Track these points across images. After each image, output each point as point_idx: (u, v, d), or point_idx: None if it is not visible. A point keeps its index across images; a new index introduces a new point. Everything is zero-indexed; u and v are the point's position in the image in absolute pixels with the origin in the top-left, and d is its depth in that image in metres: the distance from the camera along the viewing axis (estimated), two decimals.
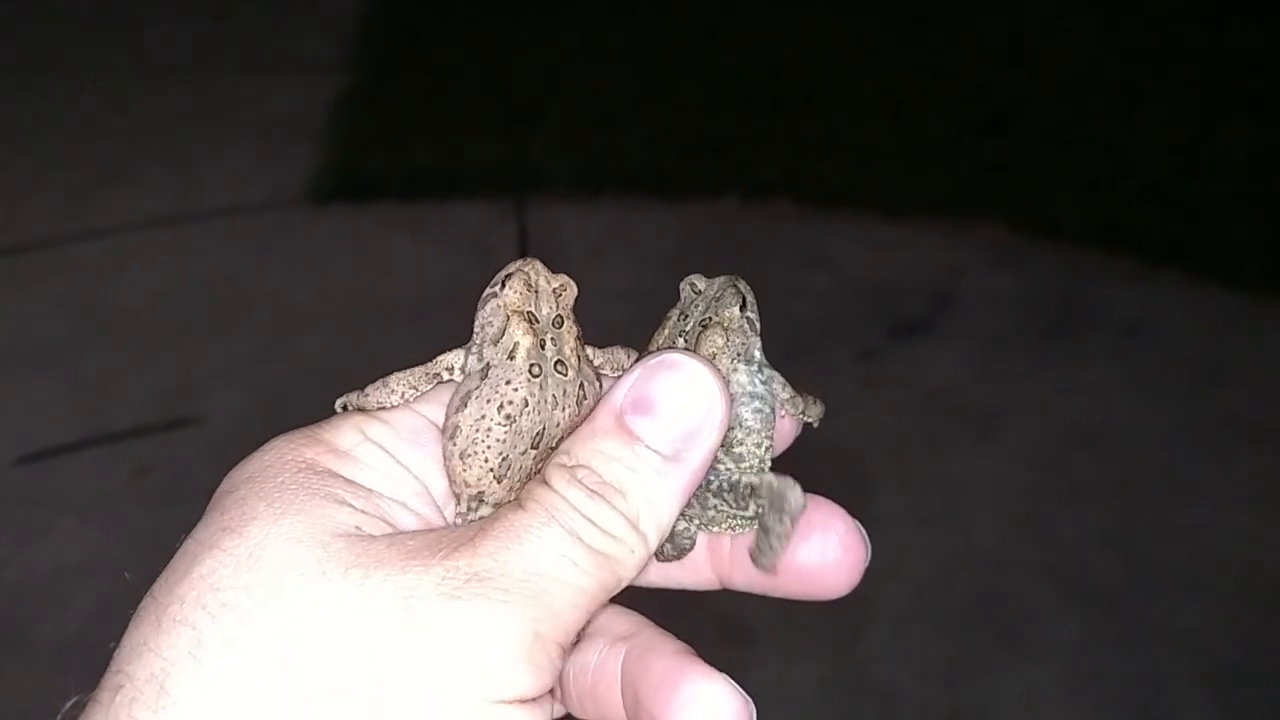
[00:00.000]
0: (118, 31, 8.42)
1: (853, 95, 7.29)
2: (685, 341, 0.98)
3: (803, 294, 5.25)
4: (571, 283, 0.97)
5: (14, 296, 5.51)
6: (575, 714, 0.90)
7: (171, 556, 0.82)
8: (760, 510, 0.96)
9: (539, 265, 0.97)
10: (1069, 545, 4.09)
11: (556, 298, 0.96)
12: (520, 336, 0.92)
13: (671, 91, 7.35)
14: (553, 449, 0.91)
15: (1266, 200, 6.07)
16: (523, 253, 5.86)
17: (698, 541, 1.01)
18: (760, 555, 0.97)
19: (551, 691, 0.82)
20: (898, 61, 7.69)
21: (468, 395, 0.92)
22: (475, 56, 7.85)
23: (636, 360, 0.91)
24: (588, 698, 0.89)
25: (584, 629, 0.87)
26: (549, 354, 0.93)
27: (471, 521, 0.89)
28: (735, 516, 0.98)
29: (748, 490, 0.96)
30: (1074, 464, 4.45)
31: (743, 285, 1.01)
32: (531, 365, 0.92)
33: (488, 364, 0.93)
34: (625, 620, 0.91)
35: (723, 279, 1.02)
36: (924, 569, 3.89)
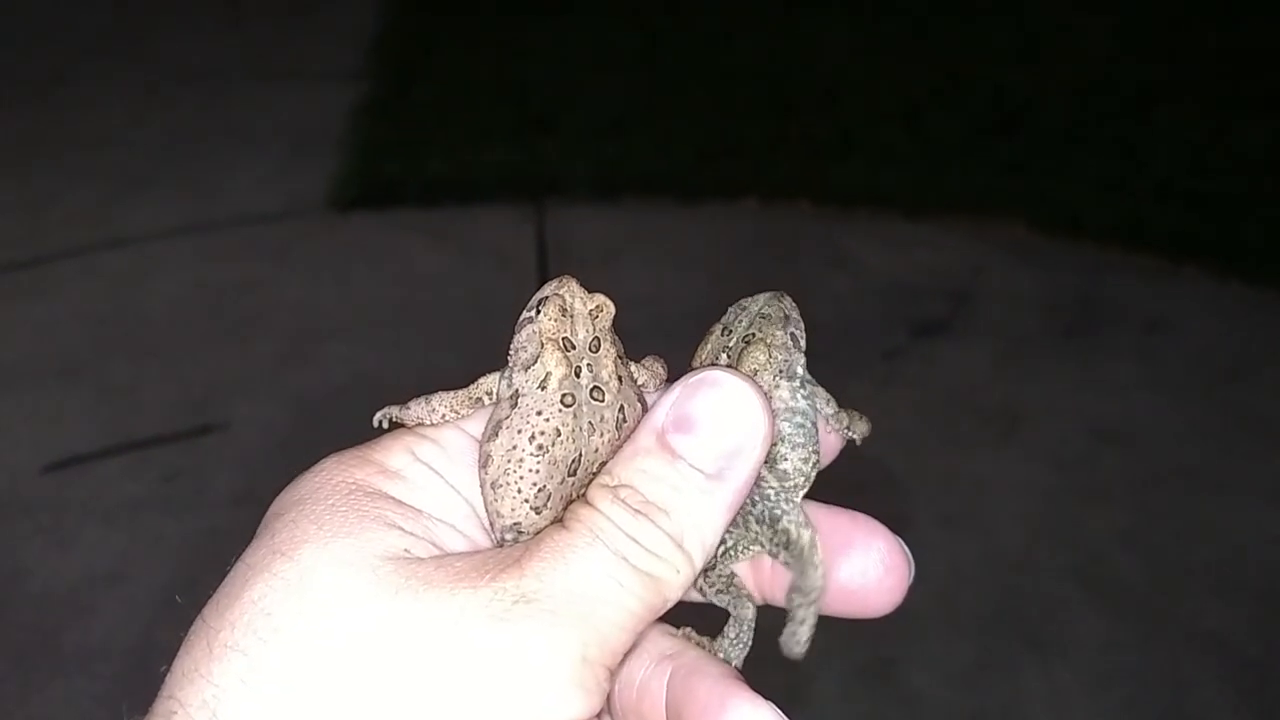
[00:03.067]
0: (135, 43, 8.49)
1: (867, 97, 7.29)
2: (728, 358, 0.97)
3: (823, 295, 5.24)
4: (608, 303, 0.95)
5: (38, 307, 5.56)
6: None
7: (201, 565, 0.83)
8: (787, 564, 0.95)
9: (574, 285, 0.95)
10: (1092, 545, 4.07)
11: (593, 320, 0.94)
12: (553, 366, 0.91)
13: (684, 96, 7.36)
14: (593, 473, 0.90)
15: None
16: (542, 257, 5.90)
17: (740, 561, 1.00)
18: (788, 643, 0.95)
19: (599, 715, 0.81)
20: (911, 63, 7.68)
21: (498, 424, 0.91)
22: (489, 64, 7.89)
23: (678, 378, 0.90)
24: (632, 714, 0.89)
25: (630, 650, 0.86)
26: (584, 381, 0.92)
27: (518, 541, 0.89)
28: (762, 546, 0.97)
29: (784, 537, 0.95)
30: (1096, 463, 4.43)
31: (788, 302, 1.00)
32: (564, 395, 0.91)
33: (517, 391, 0.91)
34: (671, 639, 0.91)
35: (768, 295, 1.01)
36: (946, 570, 3.88)
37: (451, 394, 0.95)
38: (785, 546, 0.95)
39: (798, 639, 0.95)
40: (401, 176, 6.50)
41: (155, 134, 7.17)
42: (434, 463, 0.91)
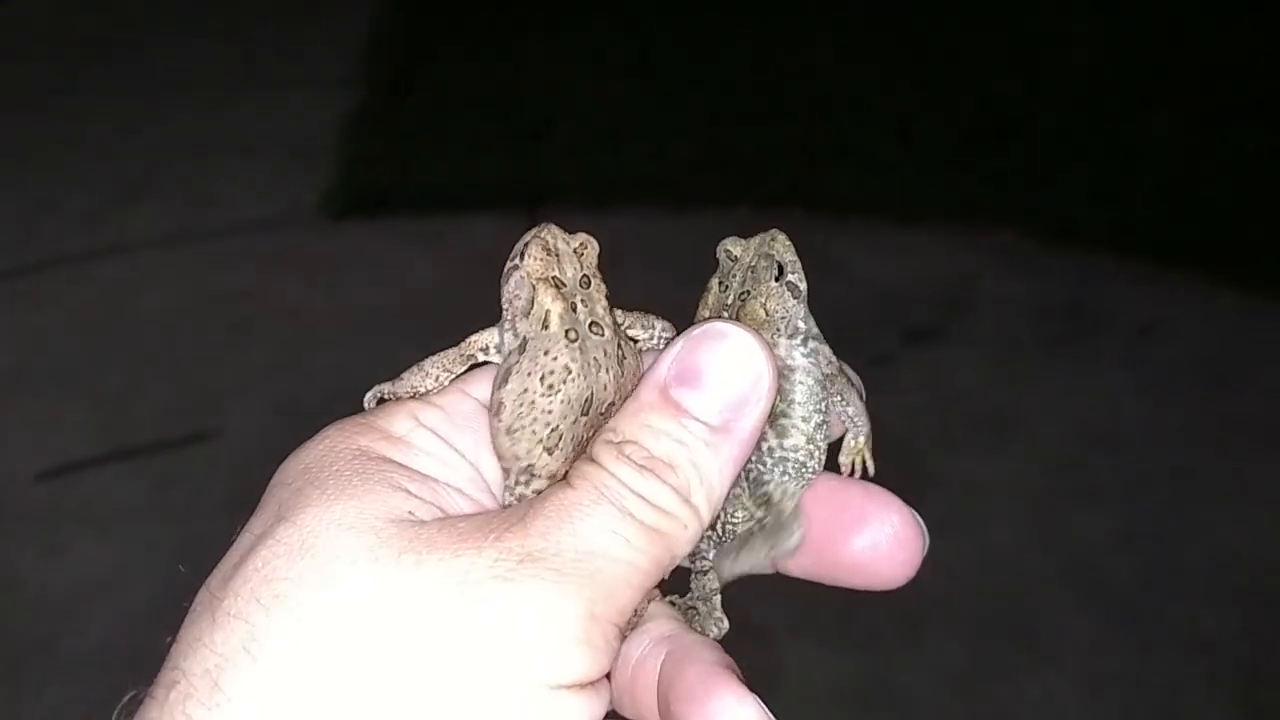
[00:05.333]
0: (130, 52, 8.48)
1: (859, 105, 7.30)
2: (727, 316, 0.96)
3: (815, 302, 5.24)
4: (592, 240, 0.95)
5: (33, 315, 5.56)
6: (614, 707, 0.89)
7: (195, 571, 0.82)
8: (764, 523, 0.94)
9: (555, 228, 0.94)
10: (1085, 548, 4.09)
11: (579, 257, 0.93)
12: (550, 303, 0.90)
13: (678, 104, 7.37)
14: (603, 414, 0.90)
15: (1276, 201, 6.06)
16: None
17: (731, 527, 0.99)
18: (722, 563, 0.95)
19: (608, 676, 0.80)
20: (903, 70, 7.70)
21: (509, 371, 0.90)
22: (484, 72, 7.89)
23: (679, 333, 0.89)
24: (625, 694, 0.88)
25: (640, 609, 0.86)
26: (582, 316, 0.91)
27: (522, 500, 0.88)
28: (749, 512, 0.96)
29: (763, 498, 0.95)
30: (1088, 467, 4.45)
31: (779, 247, 0.98)
32: (568, 330, 0.89)
33: (524, 338, 0.90)
34: (672, 621, 0.90)
35: (758, 241, 0.99)
36: (940, 574, 3.87)
37: (440, 355, 0.93)
38: (765, 505, 0.94)
39: (731, 573, 0.95)
40: (395, 185, 6.50)
41: (150, 142, 7.17)
42: (438, 428, 0.90)
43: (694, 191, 6.34)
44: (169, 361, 5.11)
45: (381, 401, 0.95)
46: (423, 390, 0.93)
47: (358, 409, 0.96)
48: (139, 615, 3.71)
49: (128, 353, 5.19)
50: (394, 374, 0.96)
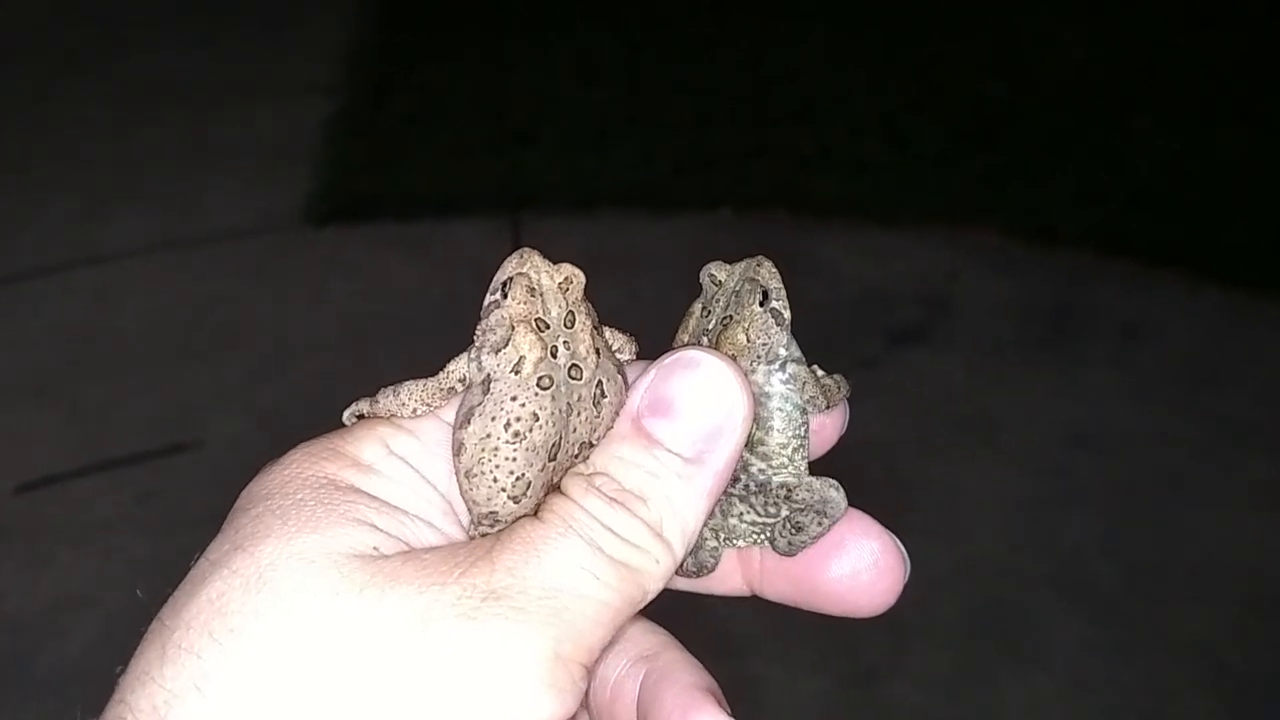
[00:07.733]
0: (111, 59, 8.43)
1: (845, 107, 7.31)
2: (708, 341, 0.93)
3: (799, 304, 5.20)
4: (577, 273, 0.90)
5: (11, 325, 5.50)
6: None
7: (179, 578, 0.79)
8: (794, 510, 0.92)
9: (537, 259, 0.90)
10: (1070, 552, 4.08)
11: (564, 293, 0.89)
12: (527, 350, 0.85)
13: (663, 107, 7.37)
14: (574, 456, 0.86)
15: (1260, 202, 6.09)
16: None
17: (719, 552, 0.96)
18: (785, 546, 0.92)
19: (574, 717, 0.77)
20: (889, 73, 7.71)
21: (470, 411, 0.86)
22: (467, 77, 7.87)
23: (646, 355, 0.87)
24: (605, 713, 0.86)
25: (609, 646, 0.82)
26: (562, 360, 0.87)
27: (489, 534, 0.84)
28: (760, 528, 0.94)
29: (782, 492, 0.92)
30: (1074, 470, 4.44)
31: (765, 273, 0.95)
32: (541, 378, 0.85)
33: (489, 376, 0.86)
34: (651, 638, 0.88)
35: (744, 266, 0.96)
36: (925, 579, 3.86)
37: (420, 385, 0.89)
38: (787, 499, 0.92)
39: (802, 546, 0.92)
40: (377, 190, 6.48)
41: (131, 150, 7.12)
42: (409, 456, 0.87)
43: (678, 194, 6.33)
44: (149, 371, 5.06)
45: (361, 419, 0.92)
46: (399, 416, 0.90)
47: (339, 417, 0.93)
48: (119, 630, 3.65)
49: (108, 363, 5.14)
50: (376, 386, 0.93)
